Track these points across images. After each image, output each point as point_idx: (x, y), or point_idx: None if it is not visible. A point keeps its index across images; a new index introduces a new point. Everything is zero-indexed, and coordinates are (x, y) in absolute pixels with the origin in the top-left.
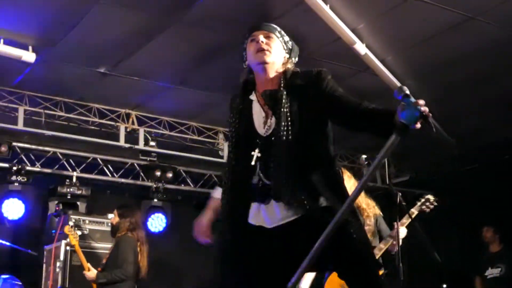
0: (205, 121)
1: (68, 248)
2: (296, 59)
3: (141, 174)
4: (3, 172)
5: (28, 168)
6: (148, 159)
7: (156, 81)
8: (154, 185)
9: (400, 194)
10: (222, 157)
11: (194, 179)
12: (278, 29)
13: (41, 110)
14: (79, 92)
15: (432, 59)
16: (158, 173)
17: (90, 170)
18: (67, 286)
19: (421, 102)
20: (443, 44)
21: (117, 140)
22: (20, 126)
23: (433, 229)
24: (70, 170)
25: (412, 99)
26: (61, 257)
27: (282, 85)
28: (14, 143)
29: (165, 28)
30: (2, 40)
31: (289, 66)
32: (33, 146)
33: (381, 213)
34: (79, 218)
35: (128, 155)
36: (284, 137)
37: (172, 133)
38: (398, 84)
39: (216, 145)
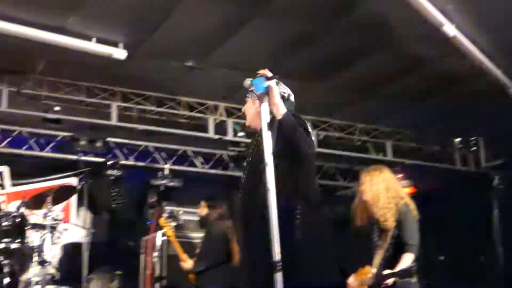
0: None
1: (164, 238)
2: None
3: (231, 164)
4: (100, 167)
5: (123, 162)
6: (237, 149)
7: (243, 72)
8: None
9: (498, 177)
10: None
11: None
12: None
13: (133, 105)
14: (168, 86)
15: None
16: None
17: (181, 162)
18: (164, 275)
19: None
20: None
21: (206, 131)
22: (113, 121)
23: None
24: (163, 162)
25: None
26: (158, 247)
27: None
28: (109, 138)
29: (250, 19)
30: (94, 39)
31: None
32: (127, 141)
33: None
34: (173, 209)
35: (217, 146)
36: None
37: None
38: (490, 66)
39: None
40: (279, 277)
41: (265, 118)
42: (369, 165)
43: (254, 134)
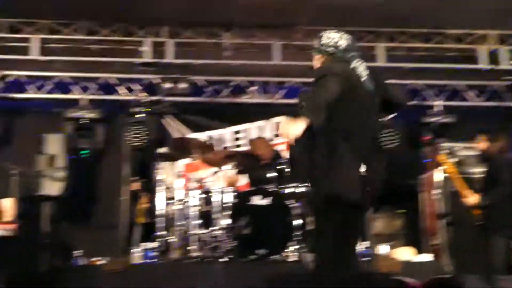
0: None
1: (444, 175)
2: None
3: (506, 95)
4: None
5: None
6: None
7: None
8: None
9: None
10: None
11: None
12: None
13: (400, 45)
14: (434, 20)
15: None
16: None
17: (452, 97)
18: (446, 212)
19: None
20: None
21: (477, 63)
22: (381, 62)
23: None
24: (433, 99)
25: None
26: (438, 185)
27: None
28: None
29: None
30: None
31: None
32: (394, 81)
33: None
34: (451, 146)
35: (490, 77)
36: None
37: None
38: None
39: None
40: None
41: None
42: None
43: None
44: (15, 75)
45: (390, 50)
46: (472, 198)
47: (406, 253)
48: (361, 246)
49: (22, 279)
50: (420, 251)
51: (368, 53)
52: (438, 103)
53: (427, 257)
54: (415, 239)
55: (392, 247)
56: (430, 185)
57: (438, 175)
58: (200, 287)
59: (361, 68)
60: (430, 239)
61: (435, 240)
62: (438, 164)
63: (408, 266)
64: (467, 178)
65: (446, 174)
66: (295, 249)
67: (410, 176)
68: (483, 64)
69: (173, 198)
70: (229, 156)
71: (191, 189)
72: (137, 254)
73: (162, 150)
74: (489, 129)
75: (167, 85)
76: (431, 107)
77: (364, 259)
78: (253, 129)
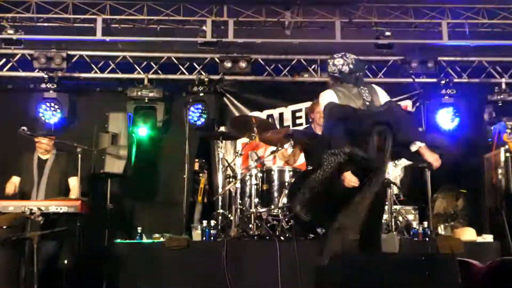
0: None
1: (508, 154)
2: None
3: None
4: (434, 87)
5: (456, 80)
6: None
7: None
8: None
9: None
10: None
11: None
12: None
13: (464, 21)
14: None
15: None
16: None
17: None
18: (510, 192)
19: None
20: None
21: None
22: (444, 40)
23: None
24: (498, 77)
25: None
26: (502, 164)
27: None
28: (439, 58)
29: None
30: None
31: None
32: (459, 58)
33: None
34: None
35: None
36: None
37: None
38: None
39: None
40: None
41: None
42: None
43: None
44: (79, 55)
45: (454, 27)
46: None
47: (468, 234)
48: (421, 226)
49: (88, 255)
50: (482, 231)
51: (433, 30)
52: (503, 81)
53: (490, 238)
54: (478, 219)
55: (454, 227)
56: (494, 164)
57: (502, 154)
58: (258, 265)
59: (365, 94)
60: (493, 219)
61: (498, 221)
62: (503, 143)
63: (471, 247)
64: None
65: (509, 154)
66: None
67: (473, 155)
68: None
69: (232, 177)
70: (288, 135)
71: (250, 167)
72: (197, 232)
73: (222, 128)
74: None
75: (228, 64)
76: (496, 84)
77: (425, 239)
78: None
